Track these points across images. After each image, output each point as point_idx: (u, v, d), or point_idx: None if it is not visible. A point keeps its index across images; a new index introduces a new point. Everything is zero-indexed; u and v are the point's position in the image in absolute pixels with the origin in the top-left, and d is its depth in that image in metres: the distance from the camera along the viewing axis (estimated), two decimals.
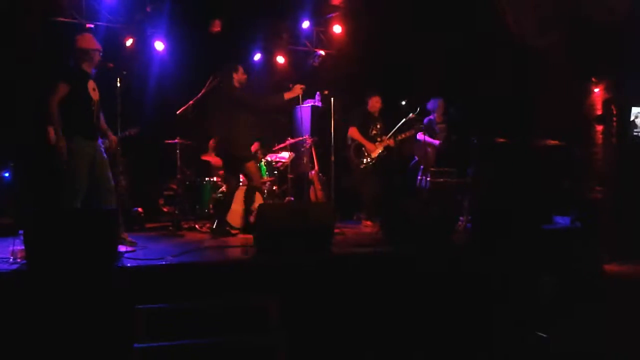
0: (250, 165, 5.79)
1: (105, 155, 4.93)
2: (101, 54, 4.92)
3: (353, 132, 6.81)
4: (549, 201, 6.59)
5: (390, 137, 6.88)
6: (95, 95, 4.86)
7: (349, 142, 6.90)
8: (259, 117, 6.21)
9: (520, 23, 7.42)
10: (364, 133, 6.82)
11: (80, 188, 4.68)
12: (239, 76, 5.77)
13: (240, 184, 6.44)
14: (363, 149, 6.80)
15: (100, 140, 4.97)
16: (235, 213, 6.11)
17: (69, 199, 4.64)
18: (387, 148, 6.82)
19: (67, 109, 4.65)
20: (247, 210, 5.94)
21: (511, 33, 7.44)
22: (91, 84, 4.83)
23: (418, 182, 7.10)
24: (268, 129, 7.05)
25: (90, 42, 4.87)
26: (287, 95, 5.73)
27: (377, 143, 6.81)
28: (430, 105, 7.36)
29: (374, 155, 6.78)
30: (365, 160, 6.79)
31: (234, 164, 5.80)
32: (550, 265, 5.37)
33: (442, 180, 6.88)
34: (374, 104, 6.90)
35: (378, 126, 6.91)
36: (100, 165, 4.82)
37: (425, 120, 7.27)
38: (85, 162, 4.70)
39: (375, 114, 6.94)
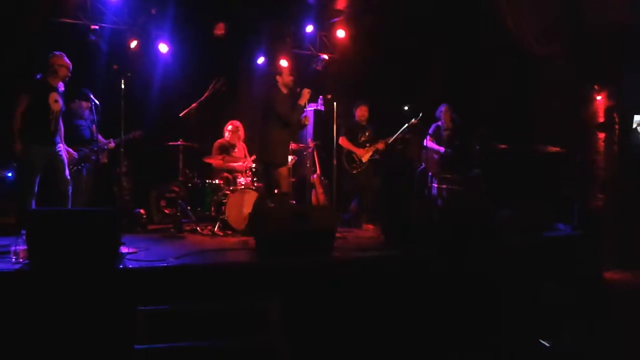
0: (282, 170, 5.75)
1: (65, 160, 5.38)
2: (70, 70, 5.35)
3: (342, 141, 6.98)
4: (551, 208, 6.59)
5: (392, 141, 6.98)
6: (55, 106, 5.30)
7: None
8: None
9: (522, 30, 7.44)
10: (353, 140, 7.03)
11: (33, 189, 5.17)
12: (283, 79, 5.69)
13: (238, 188, 6.46)
14: (353, 155, 7.00)
15: (61, 147, 5.41)
16: (241, 216, 6.10)
17: (24, 199, 5.13)
18: (377, 152, 7.01)
19: (27, 117, 5.17)
20: None
21: (513, 40, 7.46)
22: (53, 96, 5.28)
23: (429, 189, 7.18)
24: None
25: (58, 59, 5.33)
26: (302, 102, 5.76)
27: (366, 148, 6.99)
28: (438, 111, 7.41)
29: (365, 160, 6.97)
30: (356, 165, 6.98)
31: (266, 169, 5.79)
32: (552, 273, 5.38)
33: (449, 186, 7.01)
34: (363, 113, 7.14)
35: (367, 133, 7.12)
36: (55, 170, 5.27)
37: (433, 126, 7.34)
38: (36, 167, 5.18)
39: (362, 123, 7.16)
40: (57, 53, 5.36)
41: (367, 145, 7.03)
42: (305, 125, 6.21)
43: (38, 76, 5.29)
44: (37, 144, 5.21)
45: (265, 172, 5.88)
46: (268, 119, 5.70)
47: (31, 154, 5.18)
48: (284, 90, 5.70)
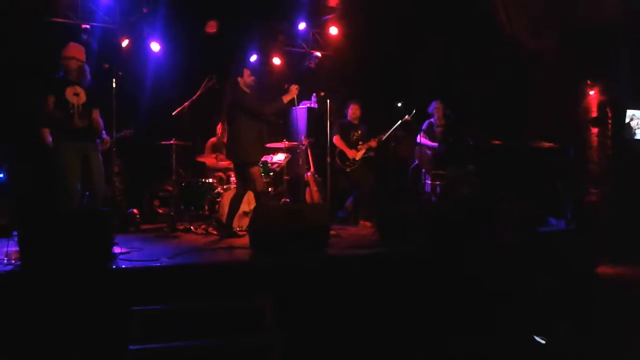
0: (255, 170, 5.72)
1: (101, 160, 5.17)
2: (79, 61, 5.11)
3: (336, 140, 7.05)
4: (544, 203, 6.61)
5: (385, 138, 7.05)
6: (76, 99, 5.07)
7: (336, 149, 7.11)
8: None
9: (515, 25, 7.45)
10: (346, 139, 7.11)
11: (72, 190, 4.94)
12: (245, 80, 5.67)
13: (232, 186, 6.45)
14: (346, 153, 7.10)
15: (97, 140, 5.21)
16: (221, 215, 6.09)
17: (63, 201, 4.87)
18: (371, 149, 7.10)
19: (52, 117, 4.97)
20: (231, 214, 5.87)
21: (506, 35, 7.47)
22: (71, 90, 5.06)
23: (422, 186, 7.20)
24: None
25: (67, 50, 5.10)
26: (286, 98, 5.71)
27: (359, 146, 7.10)
28: (430, 108, 7.43)
29: (358, 158, 7.07)
30: (350, 163, 7.06)
31: (239, 169, 5.77)
32: (545, 267, 5.39)
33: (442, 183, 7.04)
34: (354, 112, 7.21)
35: (359, 132, 7.20)
36: (90, 169, 5.06)
37: (426, 123, 7.36)
38: (73, 163, 4.97)
39: (354, 122, 7.23)
40: (70, 44, 5.15)
41: (360, 143, 7.11)
42: (278, 122, 6.17)
43: (60, 74, 5.11)
44: (65, 141, 5.00)
45: (238, 173, 5.82)
46: (235, 119, 5.63)
47: (61, 153, 4.97)
48: (247, 91, 5.69)
